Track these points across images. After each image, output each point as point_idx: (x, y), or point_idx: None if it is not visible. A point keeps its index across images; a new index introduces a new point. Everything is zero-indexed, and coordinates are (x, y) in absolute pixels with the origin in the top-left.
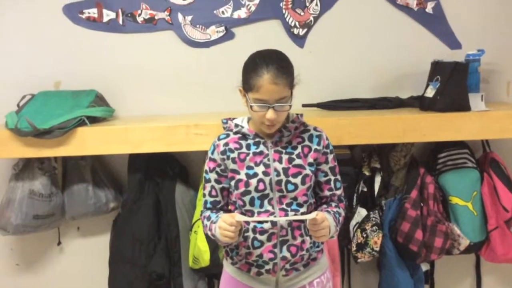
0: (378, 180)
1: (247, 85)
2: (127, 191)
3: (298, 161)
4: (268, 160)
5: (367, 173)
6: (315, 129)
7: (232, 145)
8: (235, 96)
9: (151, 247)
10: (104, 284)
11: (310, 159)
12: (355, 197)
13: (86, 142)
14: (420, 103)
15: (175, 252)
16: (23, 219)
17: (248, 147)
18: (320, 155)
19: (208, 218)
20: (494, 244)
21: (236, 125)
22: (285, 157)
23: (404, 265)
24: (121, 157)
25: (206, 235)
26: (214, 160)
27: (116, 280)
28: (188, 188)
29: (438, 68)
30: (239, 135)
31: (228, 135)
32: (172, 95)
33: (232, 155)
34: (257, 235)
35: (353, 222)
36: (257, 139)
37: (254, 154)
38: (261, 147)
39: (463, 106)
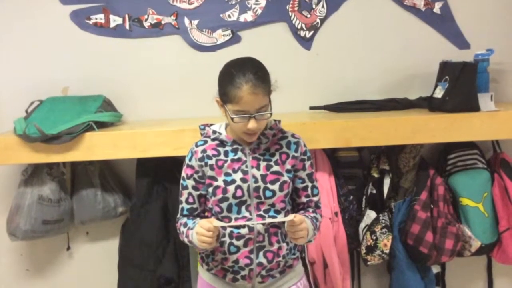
0: (387, 182)
1: (226, 97)
2: (135, 195)
3: (276, 168)
4: (246, 166)
5: (376, 175)
6: (293, 135)
7: (210, 152)
8: None
9: (160, 252)
10: None
11: (288, 166)
12: (364, 200)
13: (94, 147)
14: (429, 104)
15: (184, 256)
16: (32, 224)
17: (226, 154)
18: (298, 162)
19: (185, 224)
20: (506, 245)
21: (214, 132)
22: (263, 164)
23: (414, 267)
24: (129, 162)
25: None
26: (191, 167)
27: (125, 284)
28: None
29: (446, 69)
30: (217, 142)
31: (206, 142)
32: (179, 99)
33: (210, 162)
34: (234, 241)
35: (362, 225)
36: (235, 146)
37: (232, 161)
38: (239, 154)
39: (473, 107)
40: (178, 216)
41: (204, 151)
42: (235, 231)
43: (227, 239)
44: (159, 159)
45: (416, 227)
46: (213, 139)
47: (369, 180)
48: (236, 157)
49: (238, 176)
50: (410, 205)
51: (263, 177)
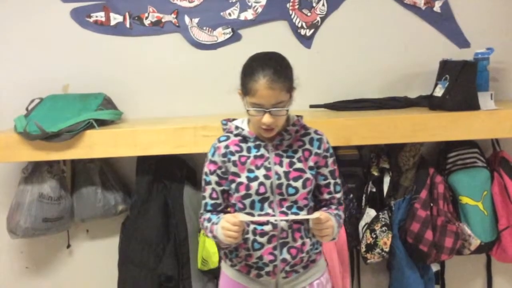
0: (387, 180)
1: (244, 89)
2: (135, 193)
3: (299, 165)
4: (269, 163)
5: (376, 174)
6: (315, 132)
7: (232, 148)
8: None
9: (160, 249)
10: (113, 287)
11: (310, 163)
12: (364, 198)
13: (95, 145)
14: (429, 102)
15: (184, 254)
16: (32, 222)
17: (248, 150)
18: (321, 159)
19: (209, 220)
20: (505, 244)
21: (237, 127)
22: (286, 160)
23: (414, 265)
24: (129, 160)
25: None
26: (214, 163)
27: (125, 282)
28: (196, 190)
29: (446, 67)
30: (239, 138)
31: (228, 137)
32: (180, 97)
33: (233, 158)
34: (257, 237)
35: (362, 223)
36: (257, 142)
37: (255, 157)
38: (262, 150)
39: (473, 105)
40: (202, 211)
41: (227, 147)
42: (259, 228)
43: (250, 236)
44: (160, 157)
45: (416, 225)
46: (236, 135)
47: (369, 179)
48: (259, 153)
49: (261, 172)
50: (410, 204)
51: (286, 174)
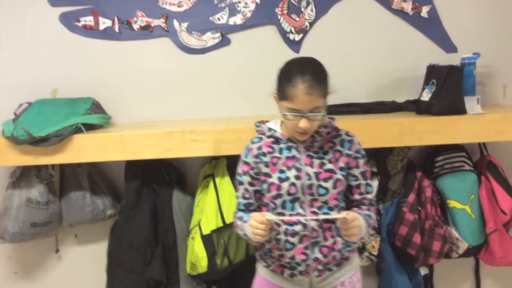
0: (375, 184)
1: (282, 94)
2: (124, 198)
3: (329, 166)
4: (300, 164)
5: None
6: (347, 133)
7: (265, 149)
8: (231, 102)
9: (148, 254)
10: None
11: (341, 164)
12: None
13: (83, 150)
14: (416, 107)
15: (173, 258)
16: (20, 227)
17: (280, 151)
18: (351, 160)
19: (240, 218)
20: (493, 247)
21: (269, 129)
22: (316, 161)
23: (402, 269)
24: (118, 164)
25: (208, 240)
26: (247, 164)
27: (114, 287)
28: (185, 194)
29: (433, 72)
30: (272, 139)
31: (261, 139)
32: (168, 102)
33: (265, 159)
34: (289, 238)
35: None
36: (289, 144)
37: (287, 158)
38: (293, 152)
39: (459, 109)
40: (235, 210)
41: (259, 148)
42: (290, 228)
43: (282, 237)
44: (148, 161)
45: (404, 229)
46: (269, 136)
47: None
48: (290, 154)
49: (292, 173)
50: (398, 207)
51: (317, 174)
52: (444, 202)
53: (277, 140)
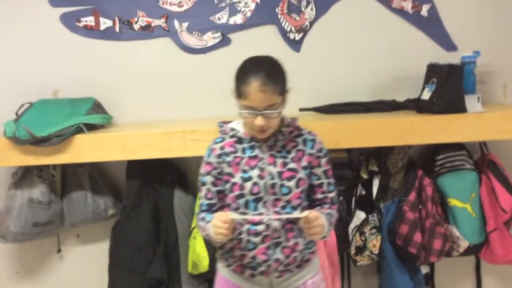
0: (376, 183)
1: (237, 92)
2: (125, 197)
3: (292, 165)
4: (263, 163)
5: (365, 176)
6: (309, 133)
7: (227, 149)
8: (231, 102)
9: (150, 253)
10: None
11: (304, 163)
12: (353, 200)
13: (84, 150)
14: (416, 105)
15: (174, 258)
16: (22, 227)
17: (243, 150)
18: (314, 159)
19: (203, 219)
20: (494, 245)
21: (232, 129)
22: (279, 161)
23: (403, 267)
24: (119, 164)
25: (204, 239)
26: (210, 164)
27: (116, 286)
28: (187, 194)
29: (434, 71)
30: (234, 139)
31: (223, 139)
32: (169, 102)
33: (227, 159)
34: (251, 237)
35: (351, 226)
36: (252, 143)
37: (250, 157)
38: (256, 151)
39: (460, 108)
40: (198, 211)
41: (222, 148)
42: (252, 228)
43: (244, 236)
44: (149, 161)
45: (405, 227)
46: (231, 136)
47: (358, 181)
48: (253, 154)
49: (255, 173)
50: (398, 206)
51: (280, 174)
52: (444, 200)
53: (240, 140)
